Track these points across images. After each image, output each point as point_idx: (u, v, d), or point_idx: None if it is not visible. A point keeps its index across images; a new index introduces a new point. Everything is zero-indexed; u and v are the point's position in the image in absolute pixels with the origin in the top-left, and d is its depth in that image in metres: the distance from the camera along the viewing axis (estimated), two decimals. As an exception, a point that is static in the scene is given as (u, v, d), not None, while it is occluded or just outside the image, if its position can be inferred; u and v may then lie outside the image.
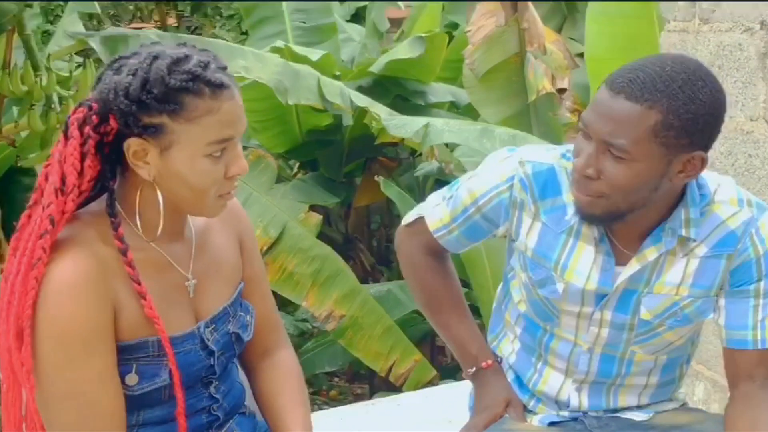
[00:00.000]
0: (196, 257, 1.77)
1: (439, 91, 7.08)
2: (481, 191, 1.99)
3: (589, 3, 4.96)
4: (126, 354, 1.65)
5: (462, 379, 4.68)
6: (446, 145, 5.49)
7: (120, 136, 1.62)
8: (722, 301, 1.89)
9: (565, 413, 2.05)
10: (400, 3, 8.82)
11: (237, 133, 1.64)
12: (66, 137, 1.62)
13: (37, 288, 1.56)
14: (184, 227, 1.76)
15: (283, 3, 7.86)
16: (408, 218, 2.15)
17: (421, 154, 7.46)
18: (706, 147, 1.75)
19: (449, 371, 6.09)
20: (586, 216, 1.83)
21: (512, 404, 2.07)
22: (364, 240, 8.62)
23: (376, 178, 6.07)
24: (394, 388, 5.41)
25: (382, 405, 3.38)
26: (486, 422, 2.04)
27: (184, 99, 1.57)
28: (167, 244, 1.72)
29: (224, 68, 1.64)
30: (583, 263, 1.90)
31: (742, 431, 1.84)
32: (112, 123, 1.61)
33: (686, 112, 1.68)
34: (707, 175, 1.89)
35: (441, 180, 7.82)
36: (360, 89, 6.37)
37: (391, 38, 10.00)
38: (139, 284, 1.63)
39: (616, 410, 2.04)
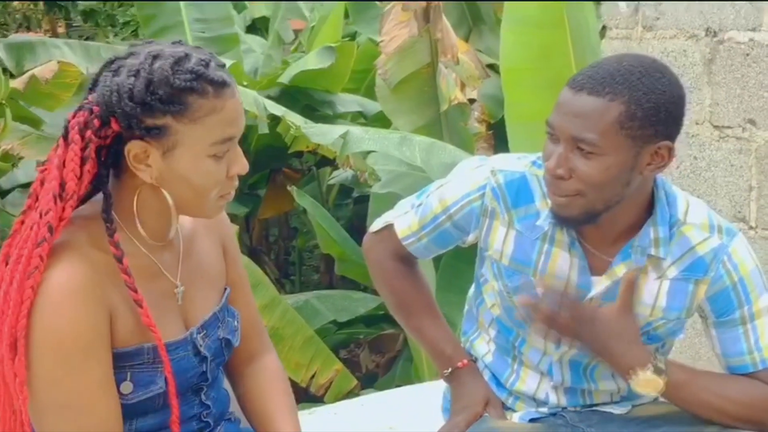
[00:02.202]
0: (183, 264, 1.73)
1: (347, 101, 7.10)
2: (453, 199, 2.00)
3: (505, 14, 5.02)
4: (121, 361, 1.60)
5: (385, 388, 4.66)
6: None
7: (119, 138, 1.57)
8: (713, 332, 1.94)
9: (545, 410, 2.07)
10: (305, 12, 8.79)
11: (238, 132, 1.61)
12: (66, 142, 1.56)
13: (33, 297, 1.50)
14: (173, 233, 1.72)
15: (183, 13, 7.74)
16: (376, 225, 2.15)
17: (326, 165, 7.46)
18: (671, 137, 1.80)
19: (364, 381, 6.09)
20: (563, 218, 1.85)
21: (491, 402, 2.07)
22: (267, 252, 8.57)
23: (288, 187, 6.04)
24: (310, 400, 5.37)
25: (318, 415, 3.34)
26: (466, 421, 2.03)
27: (188, 99, 1.53)
28: (157, 251, 1.67)
29: (223, 66, 1.61)
30: (561, 267, 1.92)
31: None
32: (114, 126, 1.55)
33: (647, 102, 1.73)
34: (678, 193, 1.94)
35: (346, 188, 7.85)
36: (268, 99, 6.33)
37: (288, 49, 9.98)
38: (135, 291, 1.58)
39: (593, 405, 2.07)
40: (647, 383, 1.88)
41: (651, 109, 1.73)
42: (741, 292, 1.89)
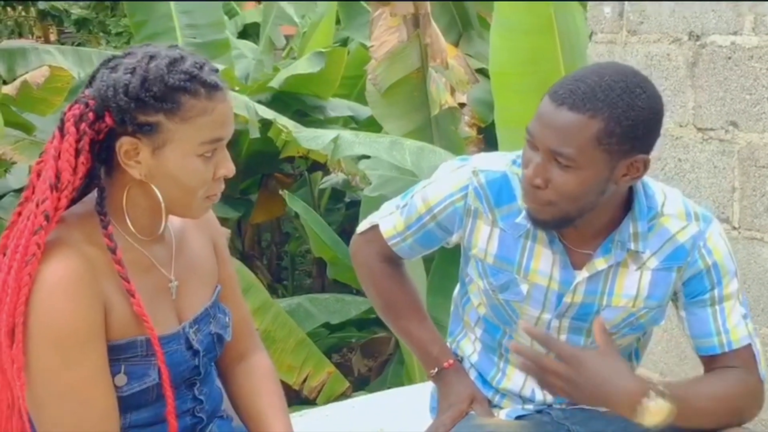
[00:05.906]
0: (176, 259, 1.77)
1: (338, 106, 7.14)
2: (436, 200, 2.04)
3: (494, 19, 5.06)
4: (115, 354, 1.63)
5: (377, 391, 4.68)
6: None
7: (112, 134, 1.62)
8: (683, 313, 1.98)
9: (530, 407, 2.11)
10: (296, 18, 8.83)
11: (227, 135, 1.67)
12: (61, 133, 1.61)
13: (30, 284, 1.54)
14: (164, 229, 1.76)
15: (175, 19, 7.77)
16: (362, 226, 2.19)
17: (317, 169, 7.49)
18: (647, 150, 1.83)
19: (356, 384, 6.11)
20: (538, 222, 1.89)
21: (477, 400, 2.11)
22: (259, 257, 8.59)
23: (280, 192, 6.07)
24: (302, 402, 5.39)
25: (309, 416, 3.36)
26: (452, 419, 2.07)
27: (181, 98, 1.59)
28: (149, 246, 1.72)
29: (217, 71, 1.67)
30: (543, 264, 1.96)
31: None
32: (108, 120, 1.60)
33: (626, 119, 1.75)
34: (655, 186, 1.98)
35: (338, 192, 7.87)
36: (259, 104, 6.36)
37: (280, 55, 10.01)
38: (128, 282, 1.62)
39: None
40: (657, 411, 1.77)
41: (629, 126, 1.76)
42: (714, 276, 1.94)
